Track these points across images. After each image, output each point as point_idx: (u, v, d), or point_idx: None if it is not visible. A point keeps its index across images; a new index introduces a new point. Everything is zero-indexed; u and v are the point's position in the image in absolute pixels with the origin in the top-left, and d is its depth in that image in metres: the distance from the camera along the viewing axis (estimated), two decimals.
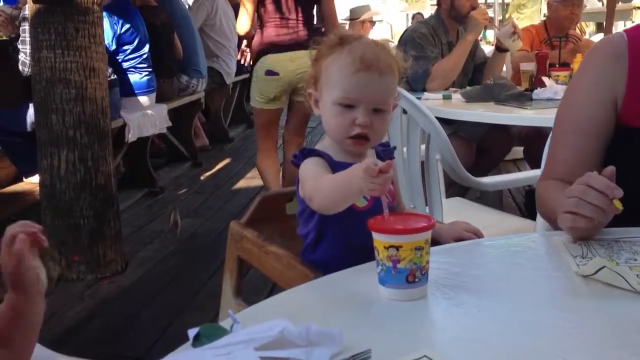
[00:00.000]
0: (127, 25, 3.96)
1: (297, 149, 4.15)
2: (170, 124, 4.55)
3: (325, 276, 1.07)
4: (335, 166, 1.16)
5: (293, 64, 3.14)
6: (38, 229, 0.86)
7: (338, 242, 1.20)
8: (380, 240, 0.93)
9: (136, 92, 4.07)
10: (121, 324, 2.47)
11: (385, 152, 1.27)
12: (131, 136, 3.91)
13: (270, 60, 3.18)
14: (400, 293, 0.93)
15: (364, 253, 1.02)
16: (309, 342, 0.81)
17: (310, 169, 1.17)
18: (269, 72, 3.19)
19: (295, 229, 1.30)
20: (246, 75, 6.56)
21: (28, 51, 3.33)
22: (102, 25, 2.89)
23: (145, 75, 4.13)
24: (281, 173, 3.47)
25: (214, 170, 5.14)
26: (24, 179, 3.93)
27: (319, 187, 1.12)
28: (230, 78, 5.83)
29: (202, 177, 4.90)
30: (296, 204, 1.28)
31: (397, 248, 0.91)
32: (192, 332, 0.85)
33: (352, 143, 1.16)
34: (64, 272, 2.82)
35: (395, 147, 1.32)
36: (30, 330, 0.89)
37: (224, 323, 0.89)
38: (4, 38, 3.78)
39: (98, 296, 2.70)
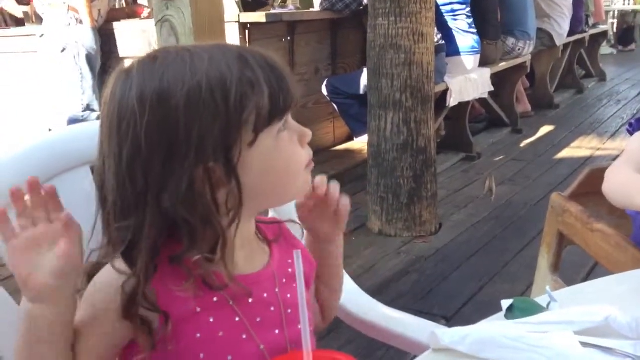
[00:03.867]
0: None
1: None
2: (492, 88, 4.47)
3: None
4: None
5: None
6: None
7: None
8: None
9: (460, 52, 4.10)
10: (432, 283, 2.56)
11: None
12: (452, 100, 3.96)
13: None
14: None
15: None
16: (639, 336, 0.72)
17: (636, 145, 1.04)
18: None
19: None
20: (580, 36, 6.07)
21: None
22: None
23: (470, 36, 4.12)
24: None
25: (534, 137, 4.91)
26: (354, 139, 4.31)
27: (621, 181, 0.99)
28: (561, 39, 5.45)
29: (521, 145, 4.73)
30: None
31: None
32: (505, 303, 0.83)
33: None
34: (383, 227, 3.03)
35: None
36: (335, 270, 0.93)
37: (540, 299, 0.85)
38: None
39: (412, 253, 2.84)
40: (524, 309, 0.81)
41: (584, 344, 0.71)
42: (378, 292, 2.42)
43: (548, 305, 0.82)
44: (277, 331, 0.78)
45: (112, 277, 0.71)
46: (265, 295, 0.79)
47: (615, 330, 0.74)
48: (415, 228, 3.02)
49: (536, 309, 0.81)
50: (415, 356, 0.78)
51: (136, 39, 3.80)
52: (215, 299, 0.75)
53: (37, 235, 0.66)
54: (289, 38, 3.89)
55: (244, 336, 0.75)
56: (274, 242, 0.84)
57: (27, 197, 0.66)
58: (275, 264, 0.82)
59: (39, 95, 4.05)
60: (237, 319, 0.76)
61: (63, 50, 3.76)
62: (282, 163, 0.74)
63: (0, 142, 3.96)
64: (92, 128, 1.11)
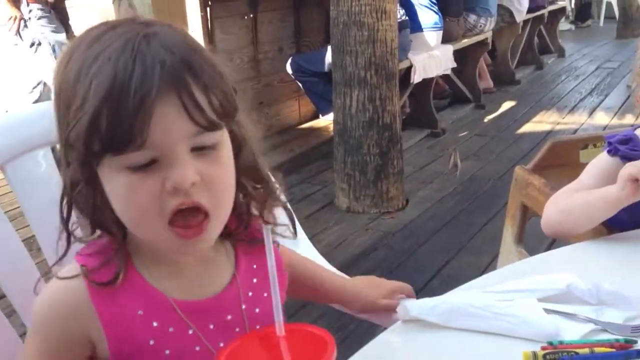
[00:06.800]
0: None
1: None
2: (454, 64, 4.51)
3: (622, 233, 0.97)
4: None
5: None
6: None
7: None
8: None
9: (423, 29, 4.12)
10: (400, 258, 2.60)
11: None
12: (416, 77, 3.98)
13: None
14: None
15: None
16: (599, 301, 0.75)
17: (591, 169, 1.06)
18: None
19: None
20: (539, 13, 6.13)
21: None
22: None
23: (433, 13, 4.14)
24: None
25: (497, 113, 4.98)
26: (320, 117, 4.30)
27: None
28: (521, 16, 5.50)
29: (484, 120, 4.79)
30: (591, 152, 1.17)
31: None
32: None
33: None
34: (351, 204, 3.05)
35: None
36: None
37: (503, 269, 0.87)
38: None
39: (380, 229, 2.87)
40: None
41: (548, 311, 0.74)
42: (347, 268, 2.44)
43: None
44: None
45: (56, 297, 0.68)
46: (230, 317, 0.72)
47: (576, 296, 0.76)
48: (383, 204, 3.04)
49: None
50: (386, 329, 0.79)
51: (93, 18, 3.68)
52: (171, 329, 0.68)
53: None
54: (251, 15, 3.85)
55: None
56: (242, 244, 0.76)
57: None
58: (241, 277, 0.74)
59: None
60: (197, 348, 0.70)
61: (32, 45, 3.65)
62: (120, 205, 0.64)
63: None
64: (51, 109, 1.09)
